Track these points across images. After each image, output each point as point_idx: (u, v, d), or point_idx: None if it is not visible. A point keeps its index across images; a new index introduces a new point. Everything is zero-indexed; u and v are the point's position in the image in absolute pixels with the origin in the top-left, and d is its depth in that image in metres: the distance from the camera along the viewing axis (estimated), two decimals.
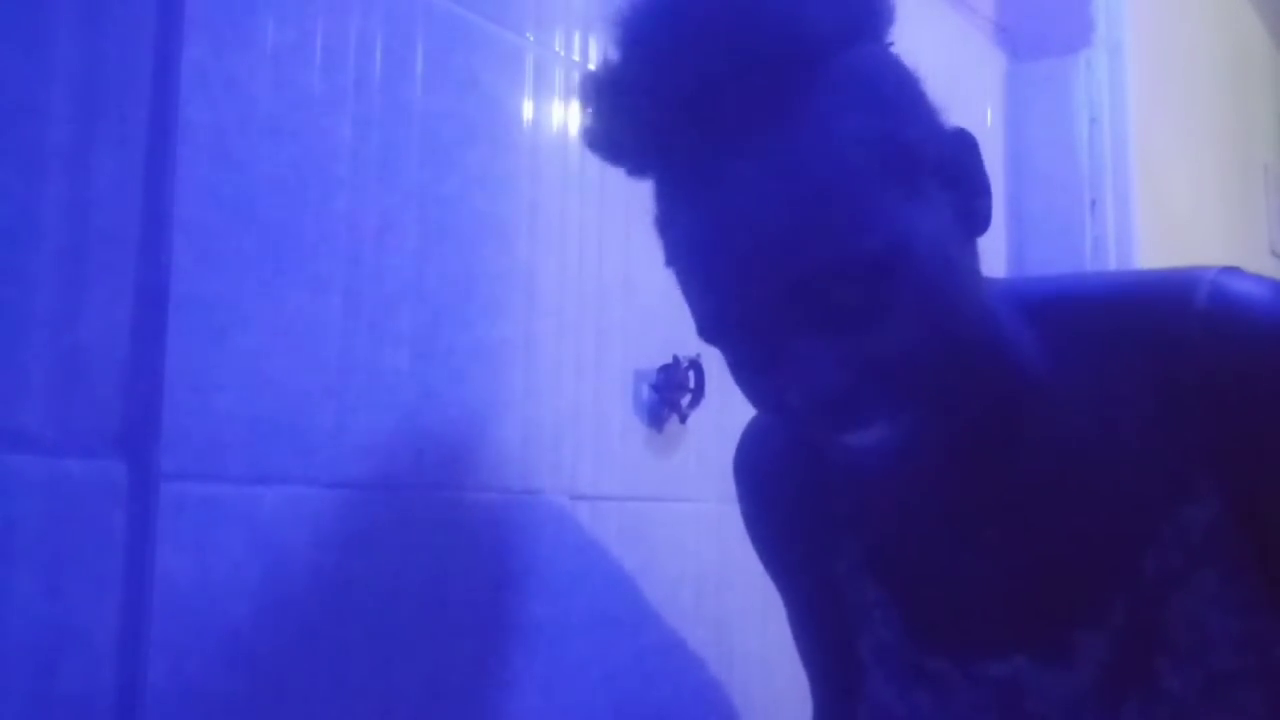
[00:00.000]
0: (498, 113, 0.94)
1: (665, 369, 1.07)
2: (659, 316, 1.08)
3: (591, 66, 1.03)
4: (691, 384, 1.08)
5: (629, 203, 1.04)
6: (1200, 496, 0.70)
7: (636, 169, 0.70)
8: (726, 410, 1.09)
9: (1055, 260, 1.73)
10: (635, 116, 0.66)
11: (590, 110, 0.69)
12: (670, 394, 1.07)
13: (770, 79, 0.63)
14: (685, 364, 1.08)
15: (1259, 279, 0.72)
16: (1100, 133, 1.78)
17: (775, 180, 0.63)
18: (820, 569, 0.87)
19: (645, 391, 1.06)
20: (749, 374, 0.70)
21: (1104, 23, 1.80)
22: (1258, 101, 2.80)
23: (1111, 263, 1.74)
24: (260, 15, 0.76)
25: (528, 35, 0.97)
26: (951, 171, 0.69)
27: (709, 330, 0.69)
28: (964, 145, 0.71)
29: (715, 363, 1.11)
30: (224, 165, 0.74)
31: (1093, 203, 1.77)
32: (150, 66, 0.71)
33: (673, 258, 0.70)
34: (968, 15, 1.74)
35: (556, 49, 1.00)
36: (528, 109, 0.97)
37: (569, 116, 1.01)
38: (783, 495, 0.89)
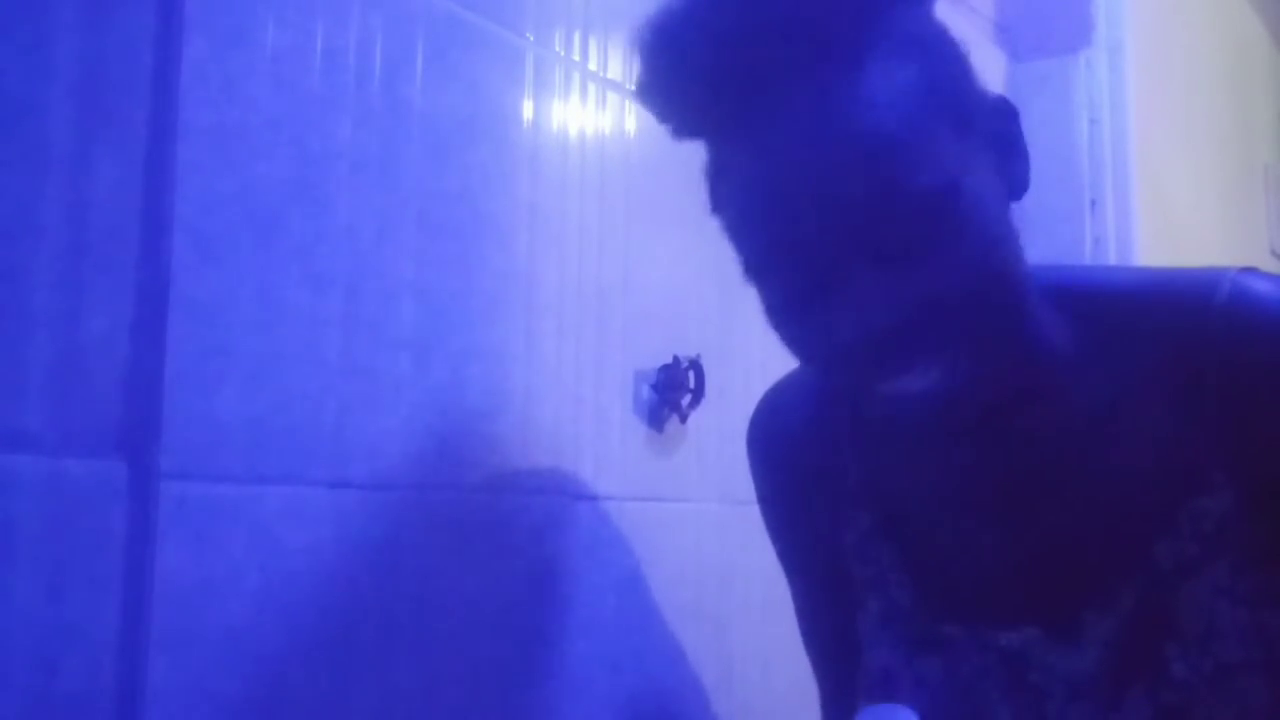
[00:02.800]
0: (498, 113, 0.94)
1: (665, 369, 1.07)
2: (659, 316, 1.08)
3: (592, 66, 1.04)
4: (691, 384, 1.08)
5: (629, 203, 1.04)
6: (1215, 488, 0.72)
7: (688, 122, 0.71)
8: (726, 410, 1.09)
9: (1055, 260, 1.73)
10: (696, 59, 0.68)
11: (649, 57, 0.71)
12: (670, 394, 1.07)
13: (831, 28, 0.66)
14: (685, 364, 1.08)
15: (1277, 279, 0.74)
16: (1100, 133, 1.78)
17: (836, 116, 0.66)
18: (829, 543, 0.87)
19: (645, 391, 1.06)
20: (796, 311, 0.70)
21: (1104, 23, 1.80)
22: (1258, 101, 2.80)
23: (1111, 262, 1.74)
24: (260, 15, 0.76)
25: (528, 35, 0.97)
26: (993, 135, 0.72)
27: (761, 262, 0.69)
28: (1006, 111, 0.74)
29: (715, 363, 1.11)
30: (224, 165, 0.74)
31: (1093, 203, 1.77)
32: (150, 66, 0.71)
33: (722, 201, 0.71)
34: (968, 15, 1.74)
35: (556, 49, 1.00)
36: (528, 109, 0.97)
37: (569, 116, 1.01)
38: (795, 467, 0.90)
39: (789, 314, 0.70)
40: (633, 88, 0.75)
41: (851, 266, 0.66)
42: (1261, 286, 0.73)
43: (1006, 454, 0.77)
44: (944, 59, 0.71)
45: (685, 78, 0.69)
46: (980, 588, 0.79)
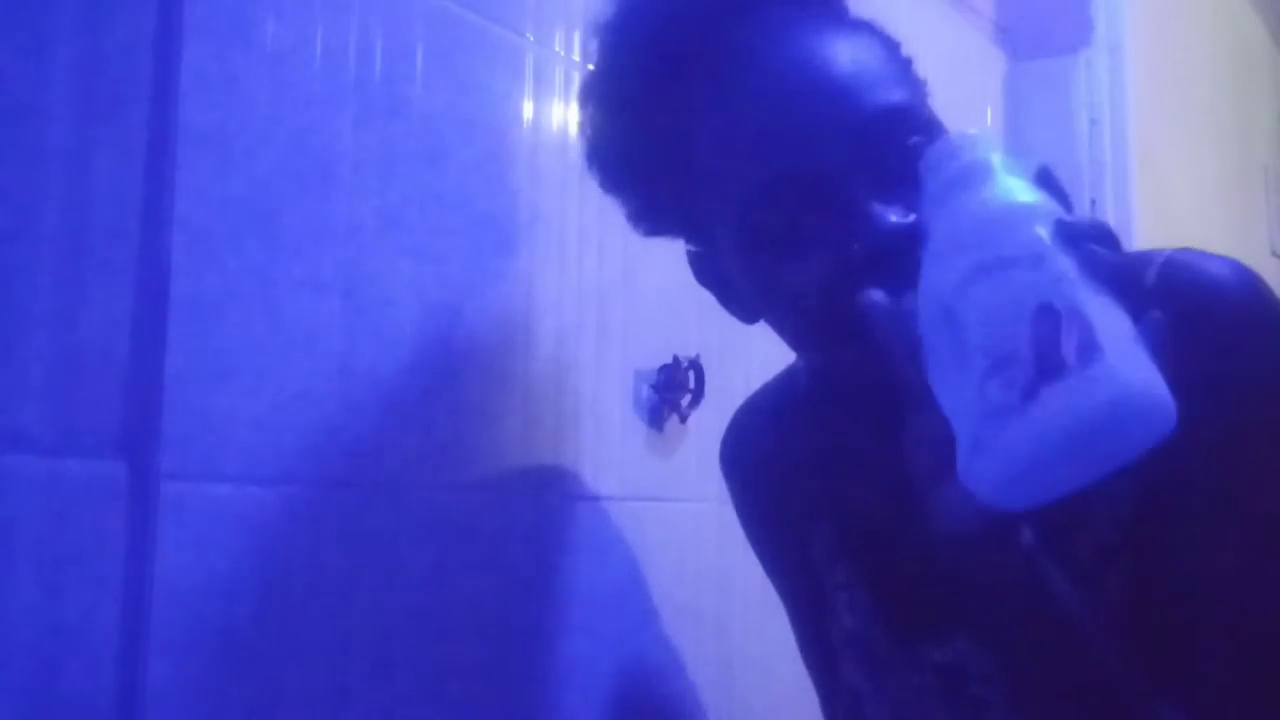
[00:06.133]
0: (498, 113, 0.94)
1: (665, 369, 1.07)
2: (659, 316, 1.08)
3: (591, 66, 1.03)
4: (691, 384, 1.08)
5: None
6: (1129, 473, 0.70)
7: (670, 62, 0.73)
8: (726, 410, 1.09)
9: None
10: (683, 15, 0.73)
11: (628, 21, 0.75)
12: (670, 394, 1.07)
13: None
14: (685, 364, 1.08)
15: (1213, 259, 0.72)
16: (1100, 133, 1.78)
17: (845, 43, 0.71)
18: (802, 556, 0.87)
19: (645, 391, 1.06)
20: (801, 237, 0.70)
21: (1104, 23, 1.80)
22: (1258, 101, 2.80)
23: None
24: (260, 15, 0.76)
25: (528, 35, 0.97)
26: None
27: (773, 190, 0.70)
28: None
29: (715, 363, 1.11)
30: (224, 165, 0.74)
31: (1093, 203, 1.77)
32: (150, 66, 0.71)
33: (716, 147, 0.72)
34: (968, 15, 1.74)
35: (556, 49, 1.00)
36: (528, 109, 0.97)
37: (569, 116, 1.01)
38: (766, 484, 0.90)
39: (787, 250, 0.70)
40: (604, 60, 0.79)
41: (860, 184, 0.68)
42: (1191, 269, 0.71)
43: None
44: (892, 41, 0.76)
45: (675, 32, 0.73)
46: (914, 603, 0.79)
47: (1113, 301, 0.57)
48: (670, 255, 1.10)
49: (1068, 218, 0.60)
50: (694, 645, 1.09)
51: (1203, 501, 0.69)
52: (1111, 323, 0.56)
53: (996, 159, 0.62)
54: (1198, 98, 2.31)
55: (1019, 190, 0.61)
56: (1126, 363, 0.55)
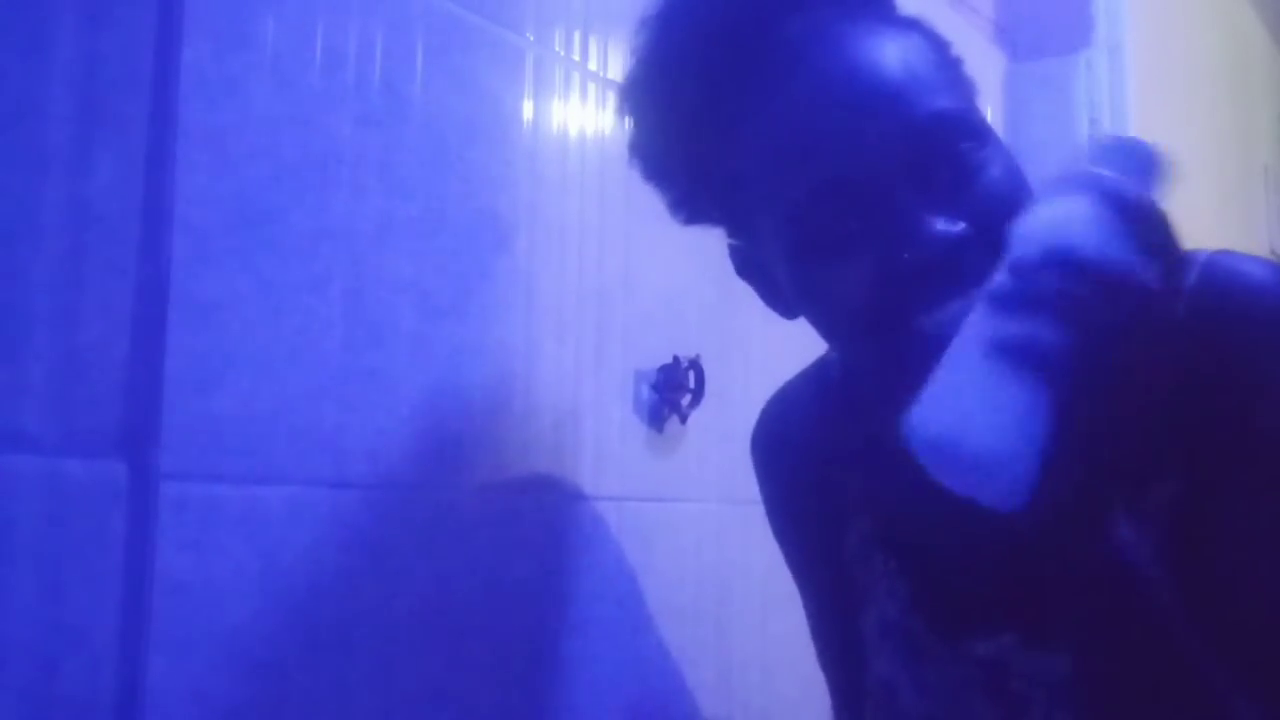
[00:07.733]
0: (498, 113, 0.94)
1: (665, 369, 1.07)
2: (659, 316, 1.08)
3: (592, 66, 1.03)
4: (691, 384, 1.08)
5: (629, 203, 1.04)
6: (1168, 475, 0.70)
7: (713, 87, 0.73)
8: (726, 410, 1.09)
9: None
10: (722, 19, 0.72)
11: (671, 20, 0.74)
12: (670, 394, 1.07)
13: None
14: (685, 364, 1.08)
15: (1254, 260, 0.73)
16: (1100, 133, 1.78)
17: (894, 45, 0.71)
18: (833, 551, 0.87)
19: (645, 391, 1.06)
20: (847, 243, 0.69)
21: (1104, 23, 1.80)
22: (1258, 101, 2.80)
23: None
24: (260, 15, 0.76)
25: (528, 35, 0.97)
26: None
27: (819, 196, 0.69)
28: None
29: (715, 363, 1.11)
30: (224, 165, 0.74)
31: None
32: (150, 66, 0.71)
33: (761, 149, 0.71)
34: (968, 15, 1.74)
35: (556, 49, 1.00)
36: (528, 109, 0.97)
37: (569, 116, 1.01)
38: (798, 474, 0.89)
39: (833, 255, 0.70)
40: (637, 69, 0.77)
41: (907, 188, 0.67)
42: (1231, 271, 0.71)
43: None
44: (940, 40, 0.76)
45: (713, 35, 0.72)
46: (957, 596, 0.79)
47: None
48: (670, 256, 1.10)
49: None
50: (694, 645, 1.09)
51: (1249, 502, 0.70)
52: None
53: None
54: (1198, 98, 2.31)
55: None
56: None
